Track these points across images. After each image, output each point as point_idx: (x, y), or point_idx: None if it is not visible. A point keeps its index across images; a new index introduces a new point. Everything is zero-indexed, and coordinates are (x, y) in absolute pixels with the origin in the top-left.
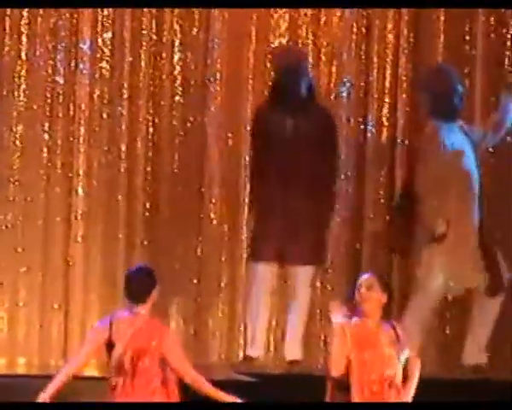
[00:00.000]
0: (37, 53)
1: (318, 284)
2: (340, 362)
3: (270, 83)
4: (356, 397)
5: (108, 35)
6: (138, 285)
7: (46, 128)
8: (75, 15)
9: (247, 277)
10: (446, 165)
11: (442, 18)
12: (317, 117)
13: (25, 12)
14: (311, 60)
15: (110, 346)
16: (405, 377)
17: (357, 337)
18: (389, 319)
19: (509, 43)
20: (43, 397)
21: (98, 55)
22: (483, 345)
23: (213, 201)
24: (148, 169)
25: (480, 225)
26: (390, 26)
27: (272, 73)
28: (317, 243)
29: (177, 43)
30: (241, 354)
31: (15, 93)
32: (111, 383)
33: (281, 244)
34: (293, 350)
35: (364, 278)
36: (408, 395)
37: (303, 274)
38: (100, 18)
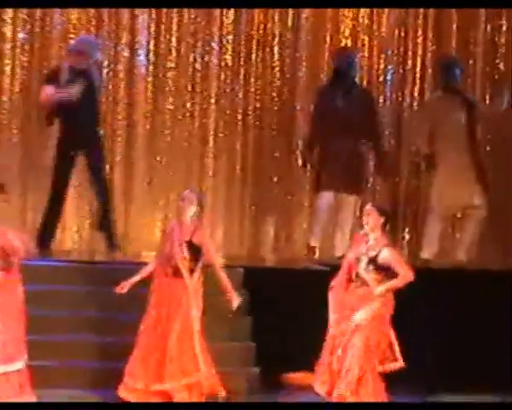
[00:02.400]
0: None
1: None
2: None
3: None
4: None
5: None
6: None
7: (188, 98)
8: None
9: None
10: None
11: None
12: (360, 95)
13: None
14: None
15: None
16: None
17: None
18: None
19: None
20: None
21: (223, 50)
22: (468, 245)
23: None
24: (256, 128)
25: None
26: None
27: (333, 64)
28: (359, 180)
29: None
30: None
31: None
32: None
33: (336, 179)
34: (341, 247)
35: (366, 207)
36: (376, 287)
37: (348, 201)
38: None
